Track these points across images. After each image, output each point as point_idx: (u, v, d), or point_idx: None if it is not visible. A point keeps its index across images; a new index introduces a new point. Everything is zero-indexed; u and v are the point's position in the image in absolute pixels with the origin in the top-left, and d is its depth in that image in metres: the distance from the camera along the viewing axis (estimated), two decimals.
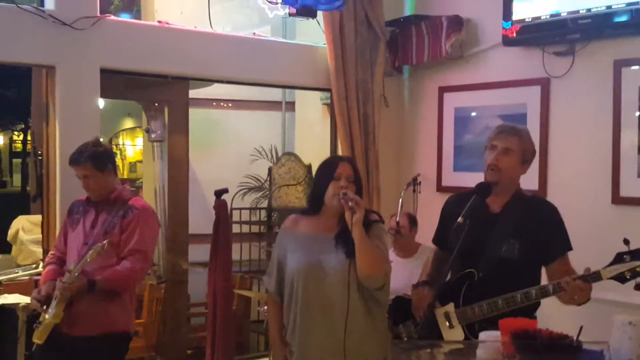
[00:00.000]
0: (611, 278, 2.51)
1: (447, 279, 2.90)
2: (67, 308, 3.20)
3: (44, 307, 3.24)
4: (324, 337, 2.67)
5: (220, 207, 3.49)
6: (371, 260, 2.60)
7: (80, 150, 3.37)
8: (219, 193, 3.45)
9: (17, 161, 21.27)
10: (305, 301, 2.69)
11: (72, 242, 3.43)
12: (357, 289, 2.65)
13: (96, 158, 3.34)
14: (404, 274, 4.03)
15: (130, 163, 16.84)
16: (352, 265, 2.61)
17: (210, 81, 5.39)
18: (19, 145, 21.93)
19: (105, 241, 3.20)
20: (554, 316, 2.85)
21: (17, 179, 20.37)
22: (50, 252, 3.59)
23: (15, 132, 21.76)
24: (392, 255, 4.10)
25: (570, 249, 2.80)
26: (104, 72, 4.10)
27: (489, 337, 2.19)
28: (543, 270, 2.87)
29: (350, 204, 2.57)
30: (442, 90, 5.07)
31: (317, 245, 2.72)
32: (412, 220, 4.31)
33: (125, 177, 17.16)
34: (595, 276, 2.53)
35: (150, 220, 3.46)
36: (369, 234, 2.64)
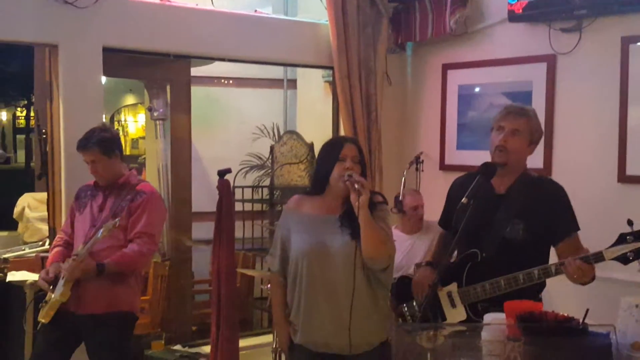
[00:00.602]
0: (614, 259, 2.50)
1: (453, 259, 2.90)
2: (74, 287, 3.23)
3: (51, 287, 3.27)
4: (328, 318, 2.68)
5: (224, 187, 3.48)
6: (376, 243, 2.61)
7: (87, 135, 3.41)
8: (222, 173, 3.44)
9: (20, 137, 21.29)
10: (310, 282, 2.70)
11: (79, 225, 3.46)
12: (361, 270, 2.66)
13: (103, 143, 3.38)
14: (407, 250, 4.05)
15: (133, 139, 16.82)
16: (358, 247, 2.61)
17: (212, 59, 5.36)
18: (22, 122, 21.94)
19: (117, 219, 3.24)
20: (560, 298, 2.86)
21: (21, 155, 20.40)
22: (58, 235, 3.62)
23: (19, 108, 21.75)
24: (395, 231, 4.12)
25: (577, 229, 2.79)
26: (106, 50, 4.09)
27: (494, 320, 2.20)
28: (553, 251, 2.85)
29: (356, 186, 2.56)
30: (446, 67, 5.02)
31: (321, 227, 2.72)
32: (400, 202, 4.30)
33: (127, 153, 17.15)
34: (598, 257, 2.52)
35: (158, 205, 3.50)
36: (373, 216, 2.64)
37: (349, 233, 2.66)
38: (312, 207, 2.80)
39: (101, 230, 3.21)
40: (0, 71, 15.94)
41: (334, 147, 2.76)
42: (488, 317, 2.26)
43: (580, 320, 2.07)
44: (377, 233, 2.61)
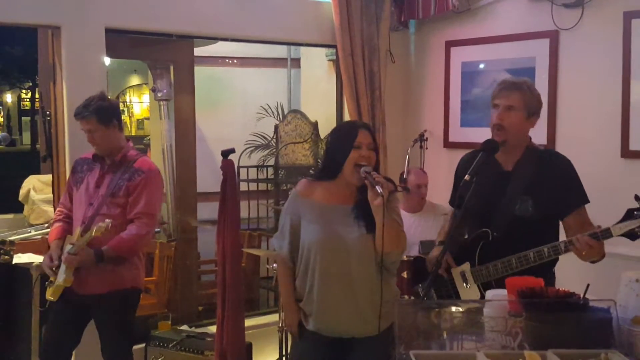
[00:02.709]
0: (622, 235, 2.49)
1: (465, 237, 2.91)
2: (76, 271, 3.25)
3: (55, 270, 3.29)
4: (345, 307, 2.68)
5: (227, 167, 3.47)
6: (392, 239, 2.58)
7: (85, 104, 3.33)
8: (225, 153, 3.42)
9: (25, 119, 21.29)
10: (324, 273, 2.67)
11: (77, 201, 3.43)
12: (373, 262, 2.65)
13: (101, 112, 3.30)
14: (410, 229, 4.07)
15: (138, 120, 16.82)
16: (372, 241, 2.60)
17: (214, 39, 5.34)
18: (27, 104, 21.93)
19: (108, 221, 3.16)
20: (562, 274, 2.87)
21: (26, 137, 20.41)
22: (57, 208, 3.60)
23: (23, 90, 21.73)
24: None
25: (587, 201, 2.78)
26: (108, 31, 4.08)
27: (496, 296, 2.22)
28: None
29: (378, 189, 2.48)
30: (449, 44, 5.00)
31: (335, 217, 2.69)
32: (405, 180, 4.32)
33: (133, 134, 17.17)
34: (606, 233, 2.51)
35: (157, 183, 3.44)
36: (386, 208, 2.56)
37: (364, 226, 2.63)
38: (324, 194, 2.74)
39: (94, 229, 3.16)
40: (4, 53, 15.92)
41: (348, 132, 2.69)
42: (489, 294, 2.28)
43: (581, 296, 2.08)
44: (394, 231, 2.59)
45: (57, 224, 3.49)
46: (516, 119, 2.74)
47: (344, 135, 2.71)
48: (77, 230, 3.31)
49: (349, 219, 2.67)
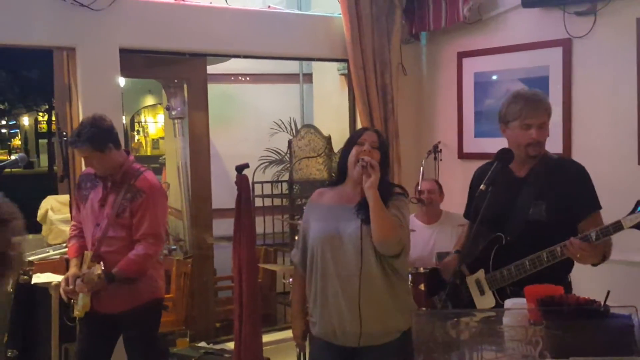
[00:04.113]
0: (633, 227, 2.46)
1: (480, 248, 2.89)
2: (95, 293, 3.29)
3: (70, 295, 3.35)
4: (342, 305, 2.67)
5: (242, 182, 3.49)
6: (385, 225, 2.57)
7: (78, 132, 3.26)
8: (240, 168, 3.44)
9: (42, 142, 21.53)
10: (323, 269, 2.70)
11: (84, 218, 3.46)
12: (373, 256, 2.64)
13: (94, 140, 3.24)
14: (427, 240, 4.05)
15: (153, 140, 16.94)
16: (367, 231, 2.60)
17: (227, 56, 5.39)
18: (44, 126, 22.19)
19: (99, 273, 3.21)
20: (582, 282, 2.84)
21: (43, 159, 20.61)
22: (72, 223, 3.62)
23: (40, 113, 22.00)
24: (415, 221, 4.12)
25: (599, 207, 2.78)
26: (123, 51, 4.14)
27: (515, 305, 2.20)
28: None
29: (362, 163, 2.56)
30: (461, 55, 5.00)
31: (337, 215, 2.72)
32: (440, 186, 4.32)
33: (148, 154, 17.27)
34: (617, 226, 2.48)
35: (160, 201, 3.44)
36: (389, 204, 2.63)
37: (362, 219, 2.64)
38: (332, 197, 2.81)
39: (87, 275, 3.23)
40: (21, 77, 16.15)
41: (355, 134, 2.80)
42: (509, 303, 2.26)
43: (602, 303, 2.06)
44: (386, 216, 2.58)
45: (73, 241, 3.53)
46: (547, 131, 2.81)
47: (351, 138, 2.79)
48: (88, 255, 3.33)
49: (350, 215, 2.68)
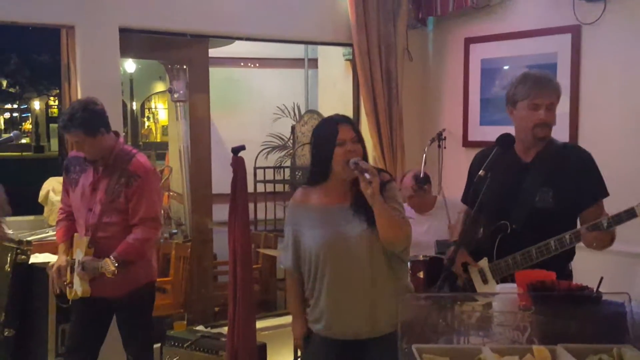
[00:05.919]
0: None
1: (479, 235, 2.85)
2: (92, 279, 3.25)
3: (70, 285, 3.31)
4: (355, 306, 2.62)
5: (237, 164, 3.45)
6: (393, 226, 2.52)
7: (70, 116, 3.17)
8: (236, 150, 3.41)
9: (53, 126, 21.57)
10: (333, 274, 2.62)
11: (75, 203, 3.39)
12: (382, 255, 2.60)
13: (87, 124, 3.16)
14: (423, 229, 3.99)
15: (163, 126, 16.97)
16: (376, 233, 2.54)
17: (229, 38, 5.33)
18: (54, 110, 22.27)
19: (113, 269, 3.13)
20: (576, 270, 2.79)
21: (54, 144, 20.69)
22: (60, 207, 3.57)
23: (51, 97, 22.08)
24: (410, 211, 4.05)
25: (607, 194, 2.73)
26: (122, 31, 4.08)
27: (505, 289, 2.14)
28: None
29: (367, 176, 2.44)
30: (468, 41, 4.92)
31: (335, 218, 2.63)
32: (422, 179, 4.18)
33: (158, 140, 17.29)
34: (630, 213, 2.44)
35: (155, 184, 3.39)
36: (384, 196, 2.54)
37: (365, 220, 2.57)
38: (320, 197, 2.68)
39: (102, 266, 3.17)
40: (31, 60, 16.19)
41: (328, 131, 2.61)
42: (499, 287, 2.21)
43: (594, 289, 2.00)
44: (392, 217, 2.53)
45: (61, 224, 3.49)
46: (555, 113, 2.75)
47: (325, 134, 2.62)
48: (84, 240, 3.28)
49: (349, 216, 2.61)
